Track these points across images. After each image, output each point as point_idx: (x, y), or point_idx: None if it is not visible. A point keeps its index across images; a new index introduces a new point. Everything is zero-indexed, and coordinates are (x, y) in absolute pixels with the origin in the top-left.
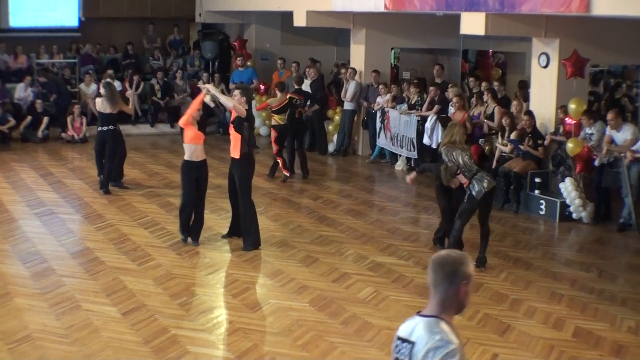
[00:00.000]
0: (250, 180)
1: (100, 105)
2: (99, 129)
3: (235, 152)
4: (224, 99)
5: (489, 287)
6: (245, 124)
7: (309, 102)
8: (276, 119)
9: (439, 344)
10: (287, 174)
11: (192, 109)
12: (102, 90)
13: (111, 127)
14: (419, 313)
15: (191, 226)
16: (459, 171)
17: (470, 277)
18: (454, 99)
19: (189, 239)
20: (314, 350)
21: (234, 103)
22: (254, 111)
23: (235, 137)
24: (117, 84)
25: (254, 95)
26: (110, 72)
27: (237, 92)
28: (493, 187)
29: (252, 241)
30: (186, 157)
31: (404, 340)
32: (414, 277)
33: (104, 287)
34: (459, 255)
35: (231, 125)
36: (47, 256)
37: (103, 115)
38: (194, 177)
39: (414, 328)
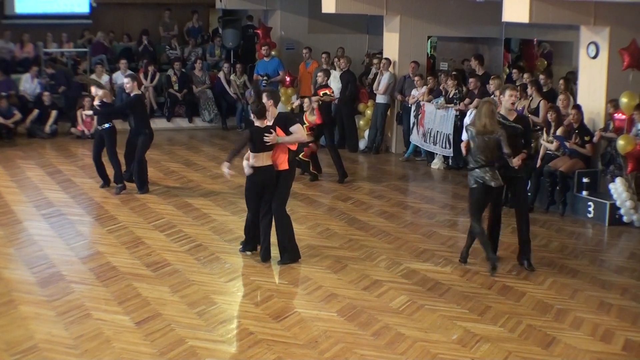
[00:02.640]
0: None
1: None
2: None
3: (283, 164)
4: (290, 139)
5: (532, 296)
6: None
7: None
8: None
9: None
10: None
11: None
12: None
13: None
14: None
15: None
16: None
17: None
18: (497, 93)
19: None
20: None
21: (297, 137)
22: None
23: (281, 148)
24: None
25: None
26: (123, 62)
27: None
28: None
29: (289, 255)
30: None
31: None
32: (452, 285)
33: (116, 295)
34: None
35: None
36: (54, 261)
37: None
38: None
39: None
